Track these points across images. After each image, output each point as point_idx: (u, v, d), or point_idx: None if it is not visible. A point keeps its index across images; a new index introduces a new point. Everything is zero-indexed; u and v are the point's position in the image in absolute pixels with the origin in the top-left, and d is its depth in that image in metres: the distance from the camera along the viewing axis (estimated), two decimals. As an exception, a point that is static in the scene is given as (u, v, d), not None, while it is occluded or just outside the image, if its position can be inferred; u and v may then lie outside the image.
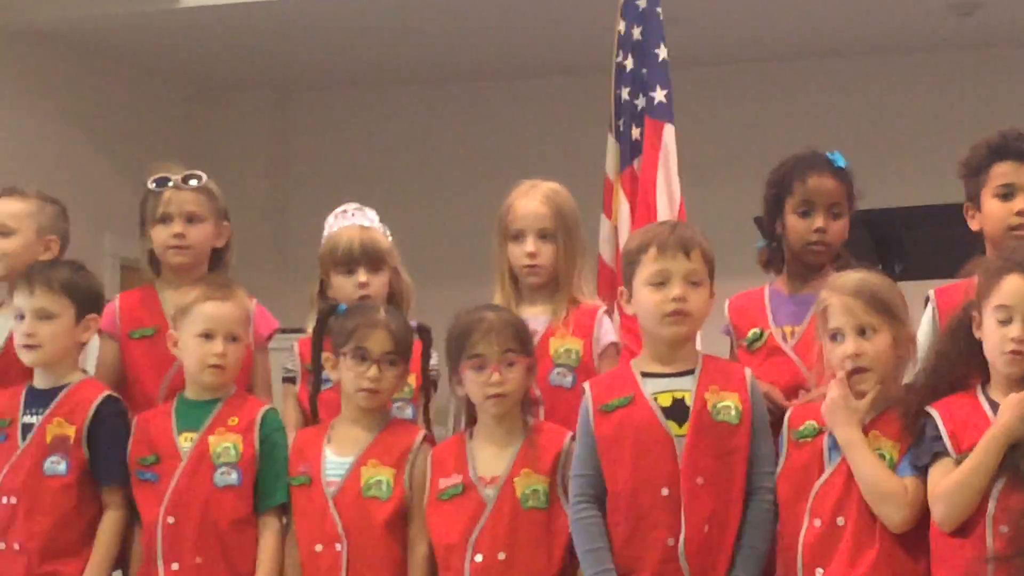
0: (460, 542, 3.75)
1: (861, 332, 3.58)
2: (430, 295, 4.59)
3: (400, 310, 4.24)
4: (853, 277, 3.66)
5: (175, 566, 3.93)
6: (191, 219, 4.32)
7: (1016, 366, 3.39)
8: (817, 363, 3.76)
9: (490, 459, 3.82)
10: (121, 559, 4.12)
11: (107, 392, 4.14)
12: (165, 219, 4.32)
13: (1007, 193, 3.89)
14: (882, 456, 3.53)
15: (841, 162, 4.15)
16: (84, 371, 4.26)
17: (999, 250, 3.79)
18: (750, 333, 4.11)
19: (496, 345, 3.79)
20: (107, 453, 4.06)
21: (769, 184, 4.21)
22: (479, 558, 3.72)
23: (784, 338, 4.08)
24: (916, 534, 3.50)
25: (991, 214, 3.91)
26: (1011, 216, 3.87)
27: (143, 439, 4.05)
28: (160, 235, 4.32)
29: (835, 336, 3.61)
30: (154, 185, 4.35)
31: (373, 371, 3.90)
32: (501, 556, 3.72)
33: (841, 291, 3.62)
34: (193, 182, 4.35)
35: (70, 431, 4.05)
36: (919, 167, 4.18)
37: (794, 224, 4.10)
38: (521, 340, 3.85)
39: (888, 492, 3.47)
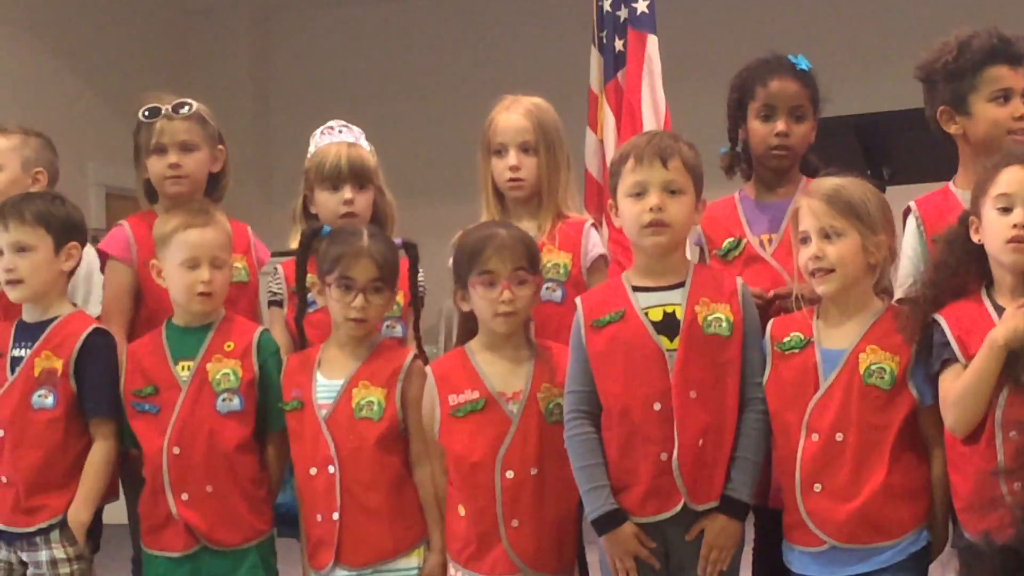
0: (487, 459, 3.75)
1: (826, 236, 3.57)
2: (417, 213, 4.57)
3: (383, 229, 4.22)
4: (829, 182, 3.64)
5: (185, 496, 3.94)
6: (185, 148, 4.28)
7: (1019, 254, 3.38)
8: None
9: (504, 374, 3.82)
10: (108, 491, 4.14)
11: (95, 325, 4.13)
12: (159, 150, 4.27)
13: (1005, 97, 3.85)
14: (882, 370, 3.53)
15: (804, 64, 4.12)
16: (74, 304, 4.25)
17: (988, 155, 3.71)
18: (725, 243, 4.10)
19: (509, 263, 3.77)
20: (95, 385, 4.05)
21: (731, 89, 4.19)
22: (510, 474, 3.73)
23: (762, 246, 4.07)
24: (920, 448, 3.54)
25: (987, 118, 3.85)
26: (1010, 120, 3.83)
27: (137, 370, 4.04)
28: (156, 166, 4.28)
29: (804, 239, 3.61)
30: (145, 116, 4.30)
31: (359, 301, 3.89)
32: (533, 471, 3.74)
33: (812, 195, 3.62)
34: (184, 110, 4.30)
35: (58, 364, 4.03)
36: (907, 70, 4.15)
37: (756, 128, 4.10)
38: (531, 259, 3.84)
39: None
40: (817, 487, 3.54)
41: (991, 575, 3.14)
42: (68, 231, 4.14)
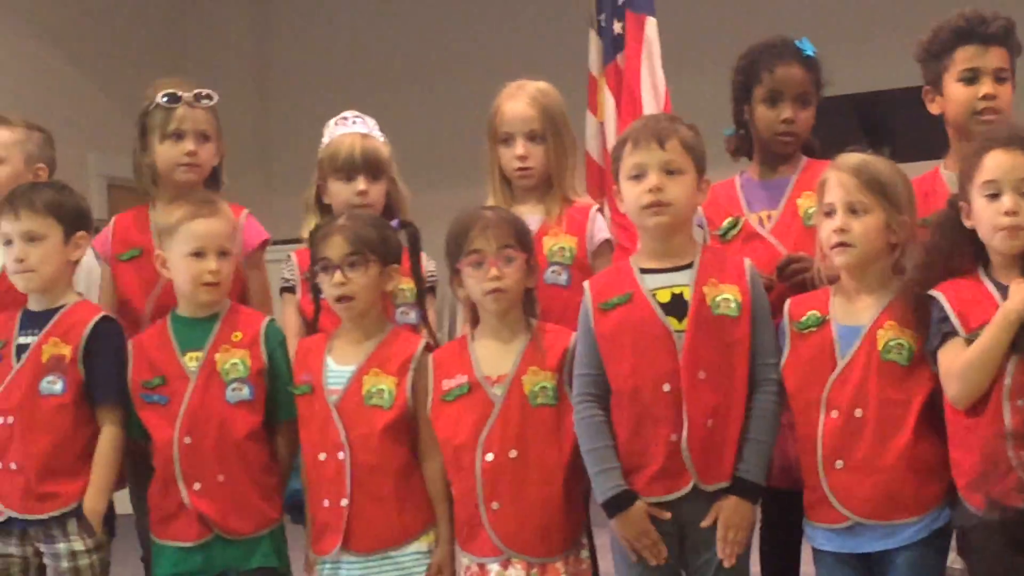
0: (469, 442, 3.77)
1: (852, 210, 3.57)
2: (417, 200, 4.57)
3: (384, 217, 4.22)
4: (856, 156, 3.65)
5: (197, 486, 3.95)
6: (202, 137, 4.34)
7: (1014, 239, 3.39)
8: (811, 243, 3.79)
9: (494, 358, 3.83)
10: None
11: (103, 313, 4.14)
12: (177, 136, 4.31)
13: (971, 77, 3.92)
14: (900, 346, 3.54)
15: (809, 50, 4.15)
16: (79, 293, 4.24)
17: (963, 135, 3.85)
18: (724, 223, 4.11)
19: (494, 240, 3.79)
20: (103, 372, 4.06)
21: (736, 71, 4.20)
22: (490, 457, 3.74)
23: (760, 223, 4.10)
24: (939, 422, 3.52)
25: (955, 98, 3.94)
26: (976, 100, 3.90)
27: (144, 362, 4.05)
28: (170, 152, 4.32)
29: (828, 212, 3.62)
30: (165, 100, 4.31)
31: (337, 277, 3.91)
32: (512, 454, 3.74)
33: (840, 168, 3.63)
34: (206, 101, 4.36)
35: (66, 351, 4.04)
36: (905, 48, 4.19)
37: (763, 114, 4.12)
38: (519, 236, 3.84)
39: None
40: (839, 463, 3.55)
41: (998, 546, 3.14)
42: (77, 221, 4.15)
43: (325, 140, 4.35)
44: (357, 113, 4.40)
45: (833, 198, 3.60)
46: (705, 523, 3.63)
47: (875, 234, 3.57)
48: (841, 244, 3.58)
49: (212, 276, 3.99)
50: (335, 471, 3.89)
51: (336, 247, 3.92)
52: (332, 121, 4.39)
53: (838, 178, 3.60)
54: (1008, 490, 3.18)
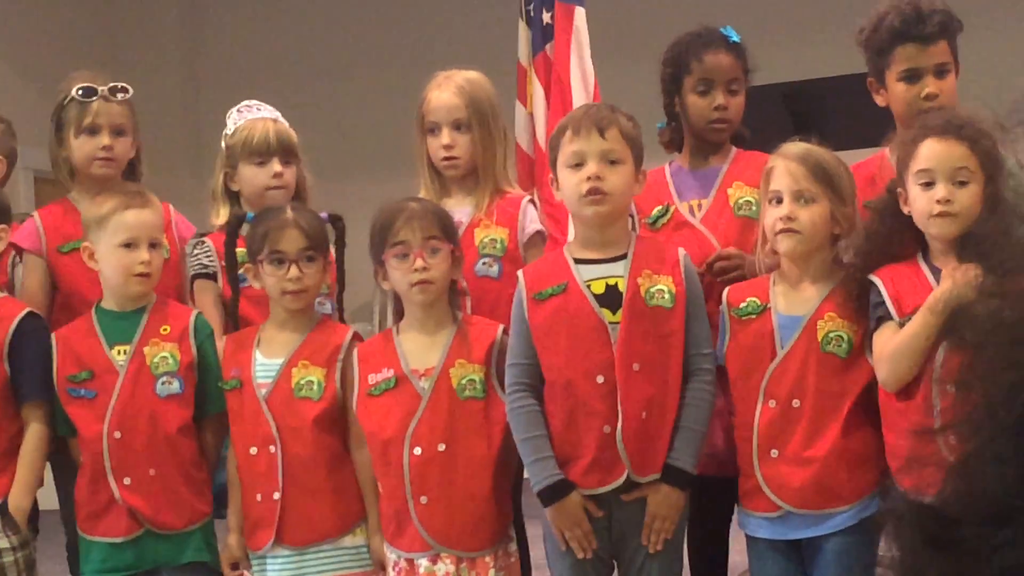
0: (397, 436, 3.75)
1: (800, 198, 3.59)
2: (350, 190, 4.56)
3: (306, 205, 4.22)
4: (802, 145, 3.68)
5: (127, 481, 3.92)
6: (118, 132, 4.30)
7: (947, 226, 3.43)
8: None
9: (421, 351, 3.82)
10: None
11: (27, 309, 4.09)
12: (91, 130, 4.27)
13: (912, 76, 3.91)
14: (839, 338, 3.57)
15: (735, 37, 4.16)
16: (1, 290, 4.20)
17: (909, 126, 3.80)
18: (654, 211, 4.11)
19: (419, 231, 3.77)
20: (28, 369, 4.01)
21: (665, 63, 4.20)
22: (418, 451, 3.73)
23: (691, 212, 4.09)
24: (873, 413, 3.55)
25: (898, 97, 3.94)
26: (919, 100, 3.89)
27: (69, 356, 4.01)
28: (85, 146, 4.27)
29: (773, 199, 3.64)
30: (80, 94, 4.27)
31: (293, 271, 3.89)
32: (441, 447, 3.73)
33: (788, 156, 3.64)
34: (121, 95, 4.31)
35: None
36: (833, 37, 4.21)
37: (695, 102, 4.11)
38: (444, 227, 3.83)
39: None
40: (774, 453, 3.59)
41: (917, 541, 3.16)
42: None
43: (230, 128, 4.33)
44: (259, 102, 4.39)
45: (780, 186, 3.62)
46: (627, 497, 3.63)
47: (821, 223, 3.60)
48: (788, 230, 3.59)
49: (144, 267, 3.94)
50: (267, 465, 3.88)
51: (292, 241, 3.90)
52: (234, 109, 4.38)
53: (786, 166, 3.62)
54: (923, 483, 3.20)
